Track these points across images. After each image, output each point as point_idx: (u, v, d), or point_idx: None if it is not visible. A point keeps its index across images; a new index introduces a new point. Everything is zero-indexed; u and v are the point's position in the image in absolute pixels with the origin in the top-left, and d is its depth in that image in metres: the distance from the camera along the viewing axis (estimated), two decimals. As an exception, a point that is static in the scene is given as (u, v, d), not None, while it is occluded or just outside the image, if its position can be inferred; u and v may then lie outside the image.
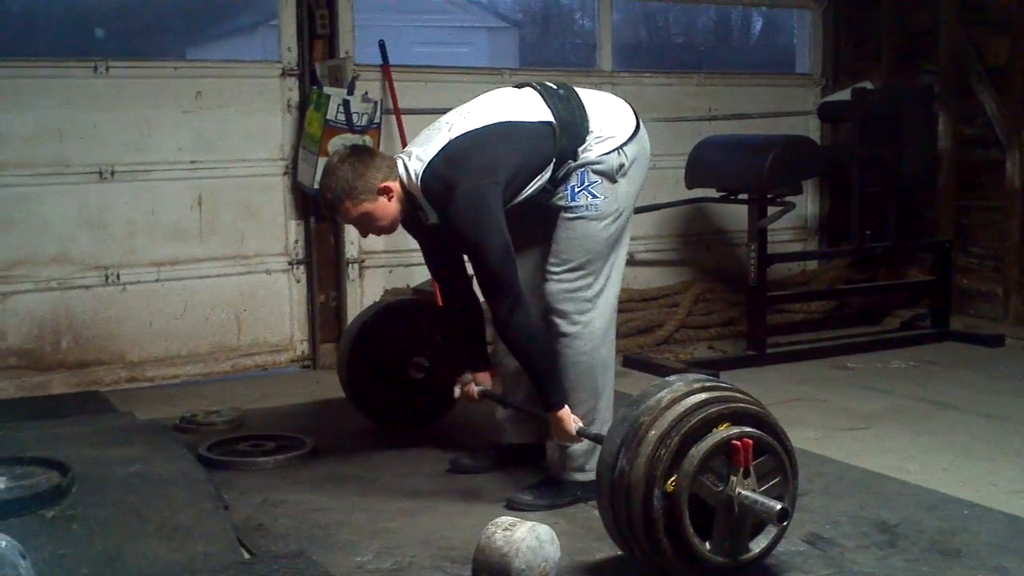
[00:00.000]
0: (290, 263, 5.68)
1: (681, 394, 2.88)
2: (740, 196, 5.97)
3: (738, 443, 2.78)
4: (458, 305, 3.82)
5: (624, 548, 2.93)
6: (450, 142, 3.41)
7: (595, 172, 3.51)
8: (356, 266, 5.78)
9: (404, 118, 5.64)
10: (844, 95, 6.53)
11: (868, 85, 6.70)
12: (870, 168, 6.19)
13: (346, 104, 5.36)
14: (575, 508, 3.52)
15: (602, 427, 3.55)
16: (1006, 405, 4.84)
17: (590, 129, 3.51)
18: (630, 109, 3.67)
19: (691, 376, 3.03)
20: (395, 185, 3.44)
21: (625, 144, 3.54)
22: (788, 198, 5.84)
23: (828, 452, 4.13)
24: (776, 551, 3.00)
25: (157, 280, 5.36)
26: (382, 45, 5.63)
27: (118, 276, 5.26)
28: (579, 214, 3.52)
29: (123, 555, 2.93)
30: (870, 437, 4.41)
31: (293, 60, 5.56)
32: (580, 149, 3.50)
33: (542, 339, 3.45)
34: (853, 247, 6.39)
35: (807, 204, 7.14)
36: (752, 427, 2.85)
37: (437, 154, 3.39)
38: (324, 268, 5.73)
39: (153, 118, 5.29)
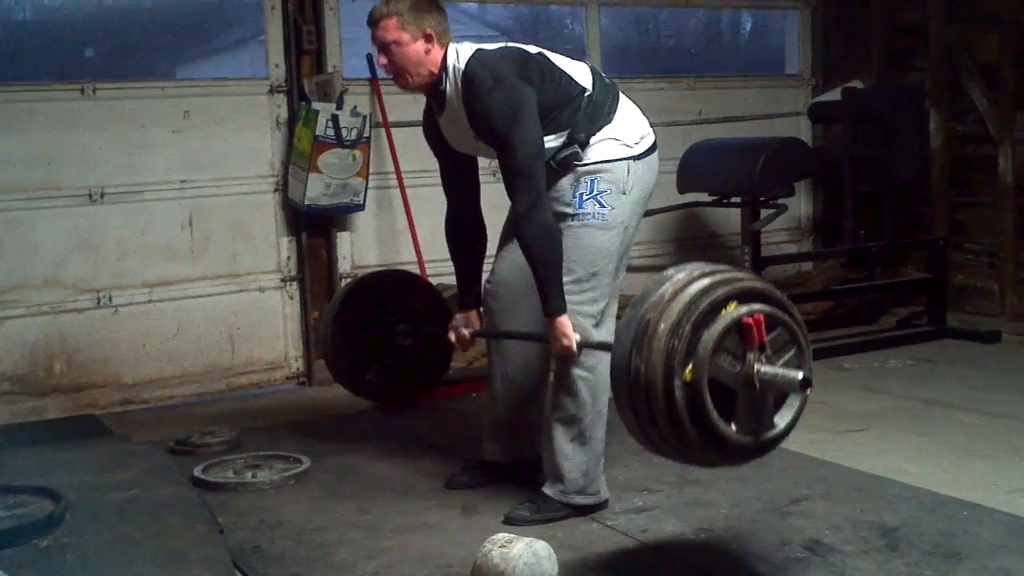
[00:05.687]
0: (283, 280, 5.66)
1: (683, 284, 2.78)
2: (733, 199, 5.95)
3: (749, 320, 2.69)
4: (463, 217, 3.81)
5: (650, 448, 2.83)
6: (508, 46, 3.53)
7: (605, 181, 3.49)
8: (349, 281, 5.76)
9: (394, 131, 5.63)
10: (834, 95, 6.52)
11: (858, 84, 6.70)
12: (862, 167, 6.18)
13: (335, 119, 5.34)
14: (573, 521, 3.49)
15: (596, 446, 3.53)
16: (1005, 402, 4.83)
17: (611, 121, 3.52)
18: (653, 133, 3.66)
19: (690, 265, 2.92)
20: (438, 48, 3.47)
21: (637, 158, 3.54)
22: (781, 200, 5.83)
23: (827, 455, 4.12)
24: (776, 559, 2.99)
25: (149, 301, 5.33)
26: (369, 58, 5.62)
27: (110, 298, 5.24)
28: (586, 222, 3.49)
29: (118, 583, 2.92)
30: (869, 439, 4.39)
31: (281, 76, 5.55)
32: (592, 140, 3.49)
33: (556, 239, 3.38)
34: (847, 247, 6.39)
35: (800, 205, 7.13)
36: (760, 303, 2.76)
37: (494, 49, 3.49)
38: (317, 284, 5.71)
39: (142, 139, 5.28)
